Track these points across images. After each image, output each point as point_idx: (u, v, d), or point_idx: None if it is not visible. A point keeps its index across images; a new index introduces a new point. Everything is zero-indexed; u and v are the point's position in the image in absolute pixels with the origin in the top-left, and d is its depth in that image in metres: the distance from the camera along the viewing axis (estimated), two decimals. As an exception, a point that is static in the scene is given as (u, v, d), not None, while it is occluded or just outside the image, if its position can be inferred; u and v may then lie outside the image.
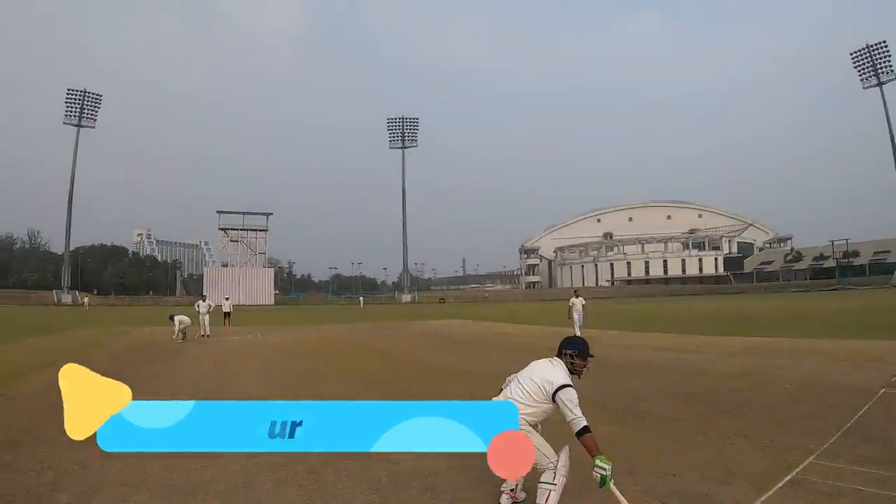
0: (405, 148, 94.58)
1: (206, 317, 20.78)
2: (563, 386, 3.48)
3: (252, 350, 16.44)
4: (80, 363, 2.67)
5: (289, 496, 4.20)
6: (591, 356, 3.79)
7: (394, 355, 14.60)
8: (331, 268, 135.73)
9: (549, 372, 3.61)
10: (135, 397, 2.66)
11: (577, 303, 17.14)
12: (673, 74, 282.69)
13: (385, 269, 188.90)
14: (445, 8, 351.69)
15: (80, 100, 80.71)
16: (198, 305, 21.31)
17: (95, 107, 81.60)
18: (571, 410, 3.39)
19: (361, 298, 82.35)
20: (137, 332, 23.16)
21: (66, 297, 74.84)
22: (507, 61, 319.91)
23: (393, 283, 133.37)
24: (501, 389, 3.81)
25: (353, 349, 16.49)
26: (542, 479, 3.48)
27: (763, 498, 3.91)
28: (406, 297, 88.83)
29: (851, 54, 79.81)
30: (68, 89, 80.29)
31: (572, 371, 3.70)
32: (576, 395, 3.46)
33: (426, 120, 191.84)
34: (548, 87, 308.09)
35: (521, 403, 3.45)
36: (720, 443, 5.38)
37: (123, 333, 22.38)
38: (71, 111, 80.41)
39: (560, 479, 3.45)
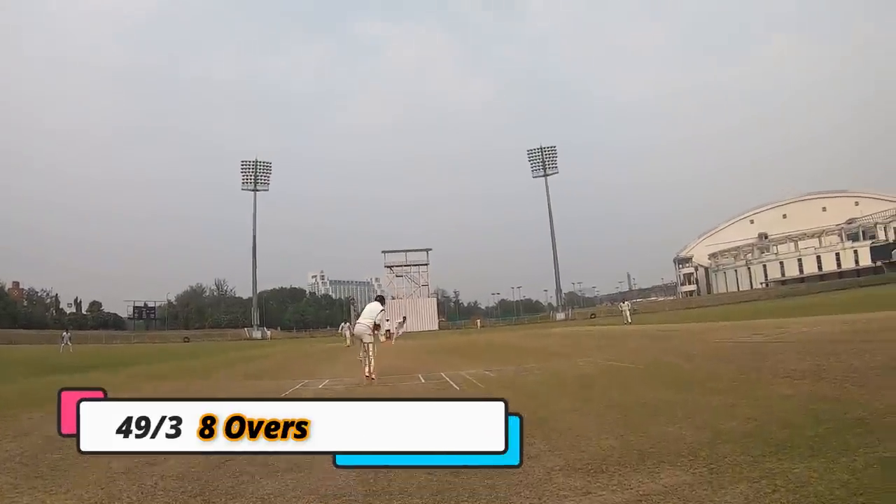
0: (546, 176, 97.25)
1: (348, 332, 28.62)
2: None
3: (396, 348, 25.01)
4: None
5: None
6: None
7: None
8: (493, 293, 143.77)
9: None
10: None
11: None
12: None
13: (545, 290, 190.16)
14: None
15: (252, 169, 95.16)
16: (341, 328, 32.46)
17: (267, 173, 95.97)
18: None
19: (479, 321, 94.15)
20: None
21: (256, 333, 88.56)
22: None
23: (548, 303, 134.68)
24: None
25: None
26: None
27: None
28: (560, 316, 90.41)
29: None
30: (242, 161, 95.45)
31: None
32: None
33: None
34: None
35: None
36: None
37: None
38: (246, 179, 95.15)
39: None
